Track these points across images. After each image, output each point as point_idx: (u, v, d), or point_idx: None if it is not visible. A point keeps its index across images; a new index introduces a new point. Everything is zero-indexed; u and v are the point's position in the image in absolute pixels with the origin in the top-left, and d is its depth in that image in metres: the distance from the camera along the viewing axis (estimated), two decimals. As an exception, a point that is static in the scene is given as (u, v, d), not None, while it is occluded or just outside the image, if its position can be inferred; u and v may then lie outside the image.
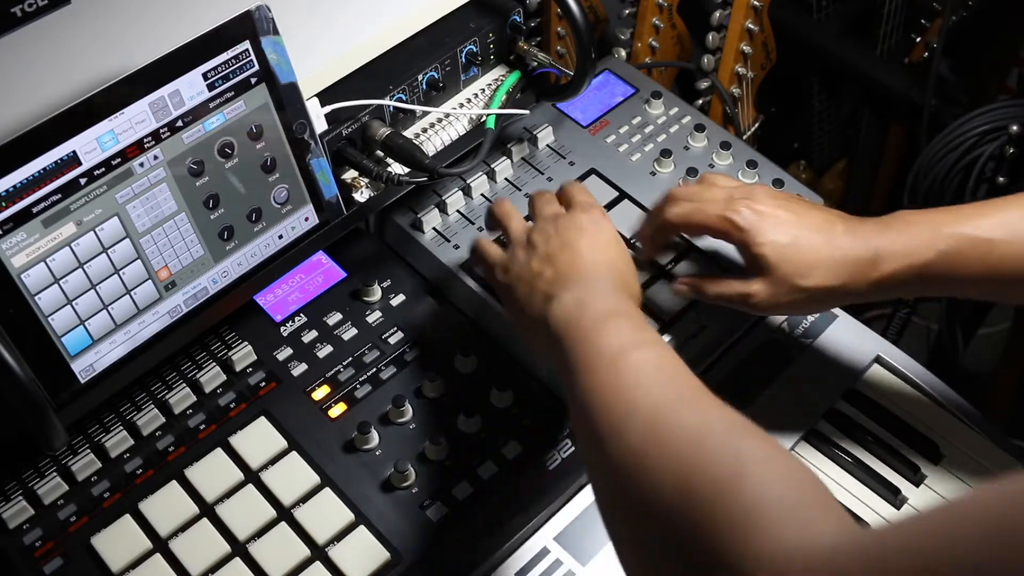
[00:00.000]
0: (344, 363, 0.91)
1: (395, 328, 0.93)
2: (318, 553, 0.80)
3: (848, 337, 1.00)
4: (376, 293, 0.95)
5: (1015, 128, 1.26)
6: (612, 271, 0.78)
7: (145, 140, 0.75)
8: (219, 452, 0.84)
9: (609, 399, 0.65)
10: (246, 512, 0.82)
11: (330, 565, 0.79)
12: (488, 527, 0.83)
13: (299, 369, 0.90)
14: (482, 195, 1.01)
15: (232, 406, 0.88)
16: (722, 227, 0.82)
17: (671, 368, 0.67)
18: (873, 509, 0.92)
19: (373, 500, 0.83)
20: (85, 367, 0.78)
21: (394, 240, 1.00)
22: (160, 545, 0.80)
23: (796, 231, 0.80)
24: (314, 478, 0.83)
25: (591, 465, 0.68)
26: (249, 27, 0.77)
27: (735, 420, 0.62)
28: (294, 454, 0.85)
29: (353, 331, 0.93)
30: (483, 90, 1.00)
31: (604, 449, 0.64)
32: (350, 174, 0.91)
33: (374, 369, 0.90)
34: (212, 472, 0.83)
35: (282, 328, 0.93)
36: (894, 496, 0.92)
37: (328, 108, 0.86)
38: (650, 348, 0.69)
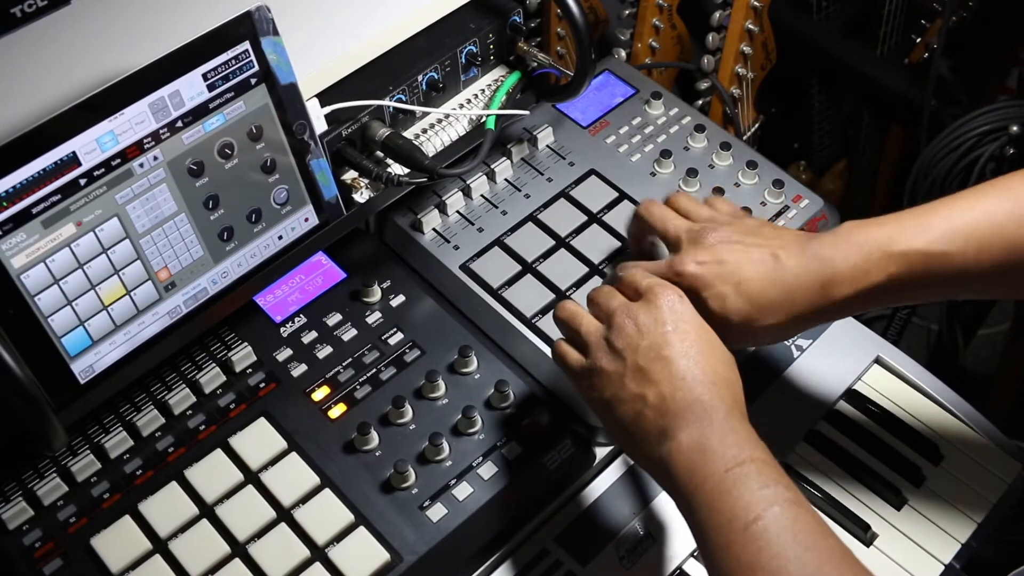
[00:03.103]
0: (344, 364, 0.91)
1: (395, 329, 0.93)
2: (318, 554, 0.80)
3: (848, 337, 1.00)
4: (376, 294, 0.95)
5: (1015, 128, 1.26)
6: (719, 388, 0.73)
7: (145, 140, 0.75)
8: (219, 453, 0.84)
9: (744, 571, 0.65)
10: (246, 513, 0.81)
11: (330, 566, 0.79)
12: (488, 527, 0.83)
13: (299, 370, 0.90)
14: (482, 196, 1.01)
15: (232, 407, 0.88)
16: (672, 281, 0.81)
17: (807, 533, 0.66)
18: (873, 509, 0.92)
19: (373, 500, 0.83)
20: (85, 368, 0.78)
21: (394, 241, 1.00)
22: (160, 546, 0.80)
23: (738, 276, 0.78)
24: (314, 479, 0.83)
25: None
26: (249, 27, 0.77)
27: None
28: (294, 455, 0.85)
29: (353, 332, 0.93)
30: (483, 91, 1.00)
31: None
32: (350, 175, 0.91)
33: (374, 370, 0.90)
34: (212, 473, 0.83)
35: (282, 329, 0.93)
36: (894, 496, 0.92)
37: (328, 109, 0.86)
38: (781, 507, 0.67)
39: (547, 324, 0.91)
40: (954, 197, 0.77)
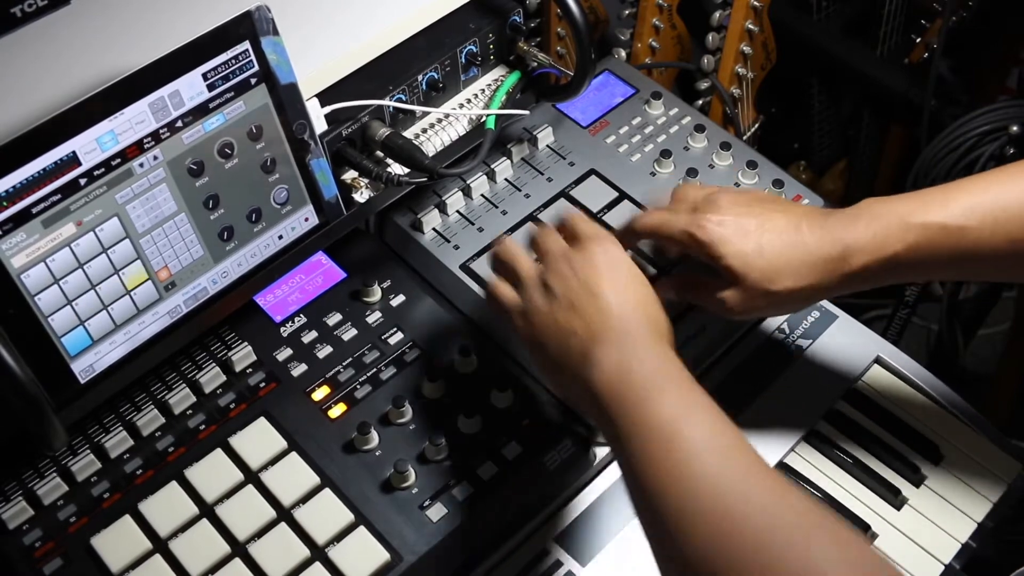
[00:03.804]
0: (344, 363, 0.91)
1: (395, 328, 0.93)
2: (318, 553, 0.80)
3: (848, 337, 1.00)
4: (376, 293, 0.95)
5: (1015, 128, 1.26)
6: (643, 317, 0.74)
7: (145, 140, 0.75)
8: (219, 452, 0.84)
9: (669, 484, 0.64)
10: (246, 512, 0.82)
11: (330, 565, 0.79)
12: (488, 527, 0.83)
13: (299, 369, 0.90)
14: (482, 195, 1.01)
15: (232, 406, 0.88)
16: (687, 242, 0.82)
17: (726, 442, 0.66)
18: (873, 510, 0.92)
19: (373, 500, 0.83)
20: (85, 367, 0.78)
21: (394, 240, 1.00)
22: (160, 545, 0.80)
23: (760, 237, 0.79)
24: (314, 478, 0.83)
25: (655, 546, 0.66)
26: (249, 27, 0.77)
27: (802, 509, 0.62)
28: (294, 454, 0.85)
29: (353, 331, 0.93)
30: (483, 90, 1.00)
31: (669, 536, 0.64)
32: (350, 174, 0.91)
33: (374, 370, 0.90)
34: (212, 472, 0.83)
35: (282, 328, 0.93)
36: (894, 496, 0.92)
37: (328, 108, 0.86)
38: (702, 417, 0.67)
39: (547, 324, 0.91)
40: (974, 177, 0.79)
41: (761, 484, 0.64)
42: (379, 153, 0.91)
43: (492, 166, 1.01)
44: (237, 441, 0.85)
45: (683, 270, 0.91)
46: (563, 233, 0.82)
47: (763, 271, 0.79)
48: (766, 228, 0.80)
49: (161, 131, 0.75)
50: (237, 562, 0.79)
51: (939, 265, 0.79)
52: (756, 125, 1.39)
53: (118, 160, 0.74)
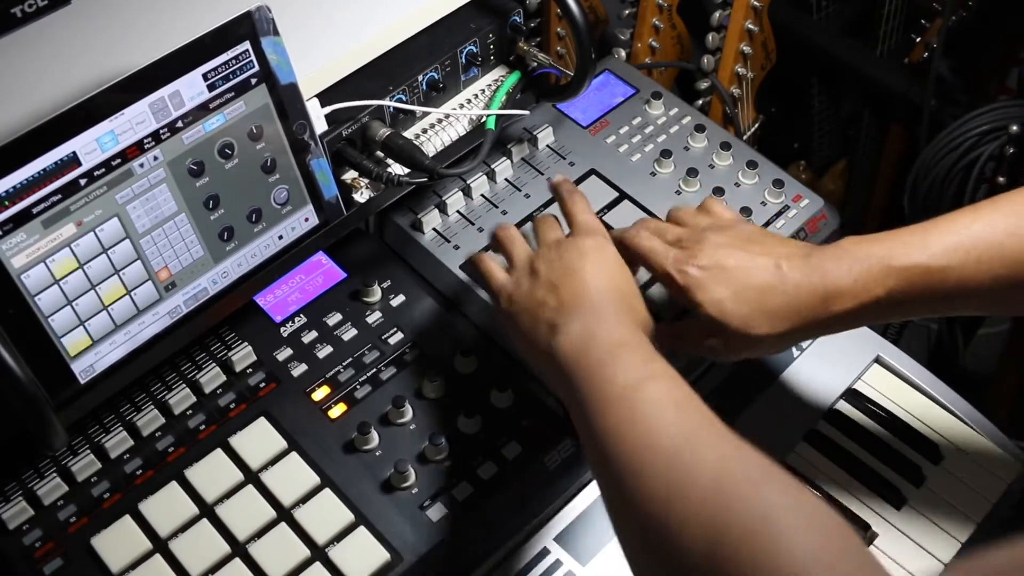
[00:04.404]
0: (344, 364, 0.91)
1: (395, 328, 0.93)
2: (318, 553, 0.80)
3: (848, 337, 1.00)
4: (376, 294, 0.95)
5: (1015, 128, 1.26)
6: (617, 297, 0.76)
7: (145, 141, 0.75)
8: (219, 452, 0.84)
9: (624, 441, 0.65)
10: (246, 512, 0.82)
11: (330, 565, 0.79)
12: (488, 527, 0.83)
13: (299, 370, 0.90)
14: (482, 195, 1.01)
15: (232, 407, 0.88)
16: (667, 283, 0.81)
17: (683, 402, 0.67)
18: (873, 510, 0.92)
19: (373, 500, 0.83)
20: (85, 367, 0.78)
21: (394, 241, 1.00)
22: (160, 546, 0.80)
23: (738, 282, 0.78)
24: (314, 478, 0.83)
25: (612, 508, 0.67)
26: (249, 28, 0.77)
27: (753, 461, 0.62)
28: (294, 454, 0.85)
29: (353, 332, 0.93)
30: (483, 91, 1.00)
31: (624, 496, 0.64)
32: (350, 175, 0.91)
33: (374, 370, 0.90)
34: (212, 473, 0.83)
35: (282, 328, 0.93)
36: (894, 496, 0.92)
37: (328, 108, 0.86)
38: (660, 381, 0.68)
39: (547, 324, 0.91)
40: (955, 213, 0.78)
41: (714, 437, 0.64)
42: (379, 153, 0.91)
43: (492, 166, 1.01)
44: (237, 441, 0.85)
45: (671, 316, 0.91)
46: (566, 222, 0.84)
47: (740, 317, 0.78)
48: (745, 272, 0.78)
49: (161, 131, 0.75)
50: (237, 562, 0.79)
51: (922, 305, 0.78)
52: (756, 125, 1.39)
53: (118, 160, 0.74)
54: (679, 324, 0.86)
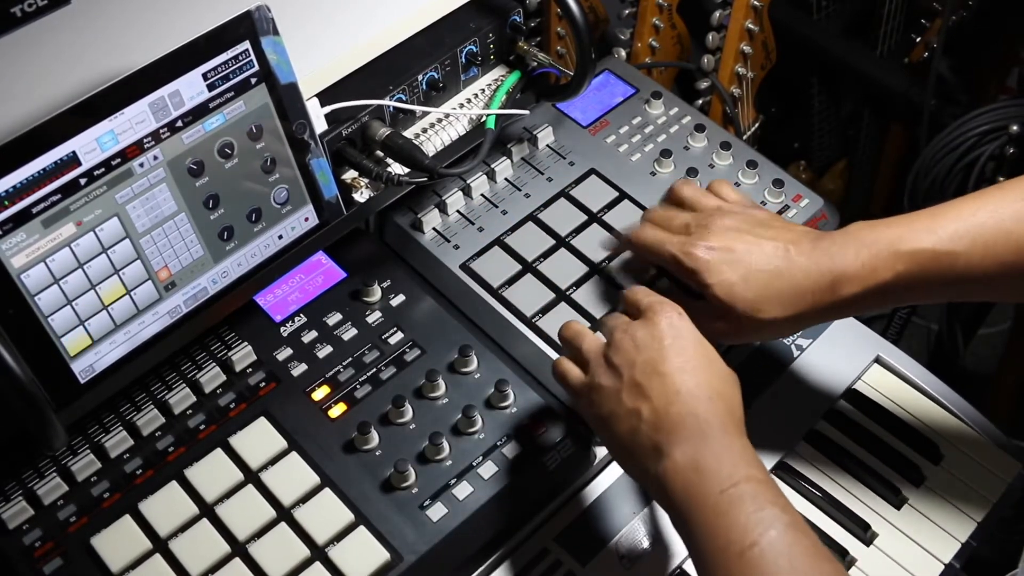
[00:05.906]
0: (344, 363, 0.91)
1: (395, 328, 0.93)
2: (318, 553, 0.80)
3: (848, 337, 1.00)
4: (376, 293, 0.95)
5: (1015, 128, 1.26)
6: (718, 406, 0.72)
7: (145, 140, 0.75)
8: (219, 452, 0.84)
9: None
10: (246, 512, 0.81)
11: (330, 565, 0.79)
12: (488, 527, 0.83)
13: (299, 369, 0.90)
14: (482, 195, 1.01)
15: (232, 406, 0.88)
16: (675, 267, 0.81)
17: (801, 556, 0.66)
18: (873, 509, 0.92)
19: (373, 500, 0.83)
20: (85, 367, 0.78)
21: (394, 240, 1.00)
22: (160, 545, 0.80)
23: (747, 266, 0.78)
24: (314, 478, 0.83)
25: None
26: (249, 27, 0.77)
27: None
28: (294, 454, 0.85)
29: (353, 331, 0.93)
30: (483, 90, 1.00)
31: None
32: (350, 174, 0.91)
33: (374, 369, 0.90)
34: (212, 472, 0.83)
35: (282, 328, 0.93)
36: (894, 496, 0.92)
37: (328, 108, 0.86)
38: (778, 530, 0.66)
39: (547, 324, 0.91)
40: (963, 199, 0.78)
41: None
42: (379, 153, 0.91)
43: (492, 166, 1.01)
44: (237, 441, 0.85)
45: (670, 288, 0.90)
46: (627, 309, 0.81)
47: (749, 301, 0.78)
48: (754, 256, 0.79)
49: (161, 131, 0.75)
50: (237, 562, 0.79)
51: (929, 290, 0.78)
52: (756, 125, 1.39)
53: (118, 160, 0.74)
54: (686, 305, 0.86)
